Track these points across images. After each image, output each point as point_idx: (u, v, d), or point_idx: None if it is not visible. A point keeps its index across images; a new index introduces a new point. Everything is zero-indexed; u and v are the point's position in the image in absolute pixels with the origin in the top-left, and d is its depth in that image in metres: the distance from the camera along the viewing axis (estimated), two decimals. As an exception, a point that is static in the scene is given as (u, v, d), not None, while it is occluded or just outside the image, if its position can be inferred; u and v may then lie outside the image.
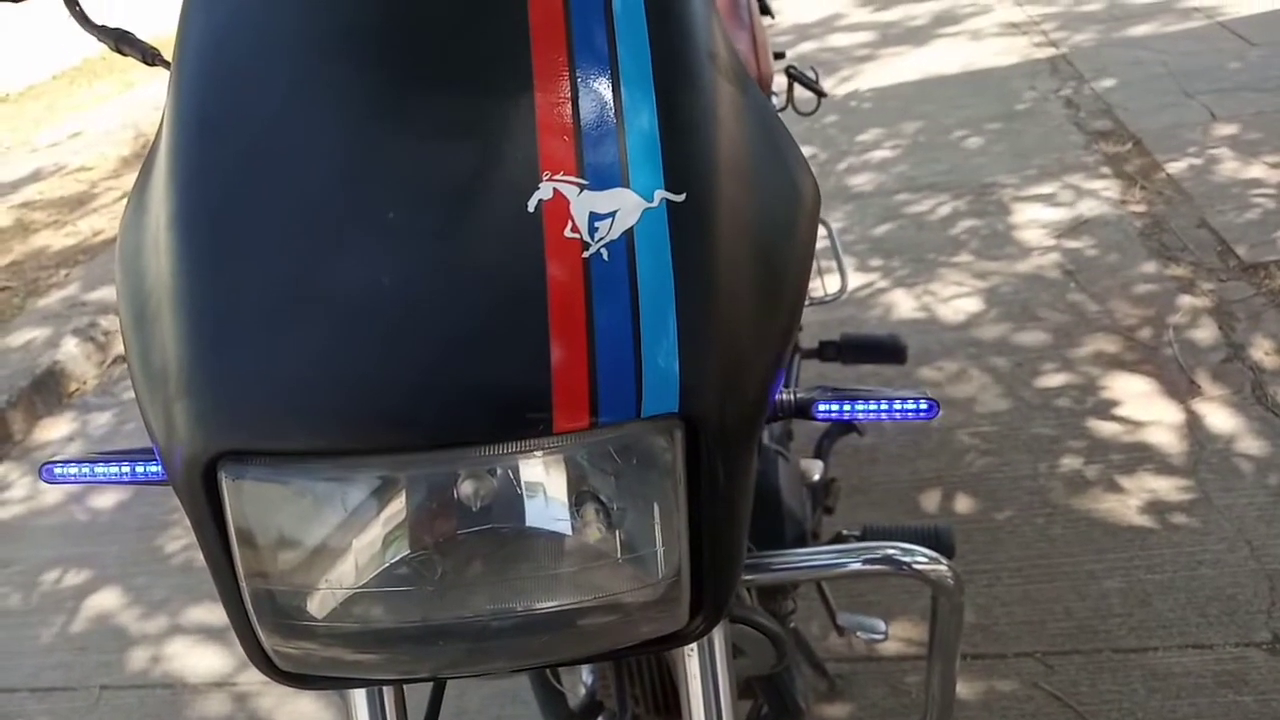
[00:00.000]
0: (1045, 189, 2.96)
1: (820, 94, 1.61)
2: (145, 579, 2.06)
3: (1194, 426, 1.93)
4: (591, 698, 1.04)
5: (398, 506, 0.48)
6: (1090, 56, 3.96)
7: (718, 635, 0.65)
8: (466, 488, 0.48)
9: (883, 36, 4.82)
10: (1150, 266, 2.47)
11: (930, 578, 0.73)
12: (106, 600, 2.03)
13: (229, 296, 0.48)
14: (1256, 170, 2.80)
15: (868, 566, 0.74)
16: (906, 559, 0.73)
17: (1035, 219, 2.81)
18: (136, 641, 1.90)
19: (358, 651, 0.52)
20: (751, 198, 0.53)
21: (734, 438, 0.50)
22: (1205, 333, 2.19)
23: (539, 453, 0.47)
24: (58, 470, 0.61)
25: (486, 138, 0.50)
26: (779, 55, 1.66)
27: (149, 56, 0.84)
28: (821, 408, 0.62)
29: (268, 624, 0.51)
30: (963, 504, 1.84)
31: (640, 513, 0.50)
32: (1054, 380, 2.13)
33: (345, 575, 0.49)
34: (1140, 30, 4.15)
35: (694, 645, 0.65)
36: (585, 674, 1.08)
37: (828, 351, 1.76)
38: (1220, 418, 1.94)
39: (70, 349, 2.97)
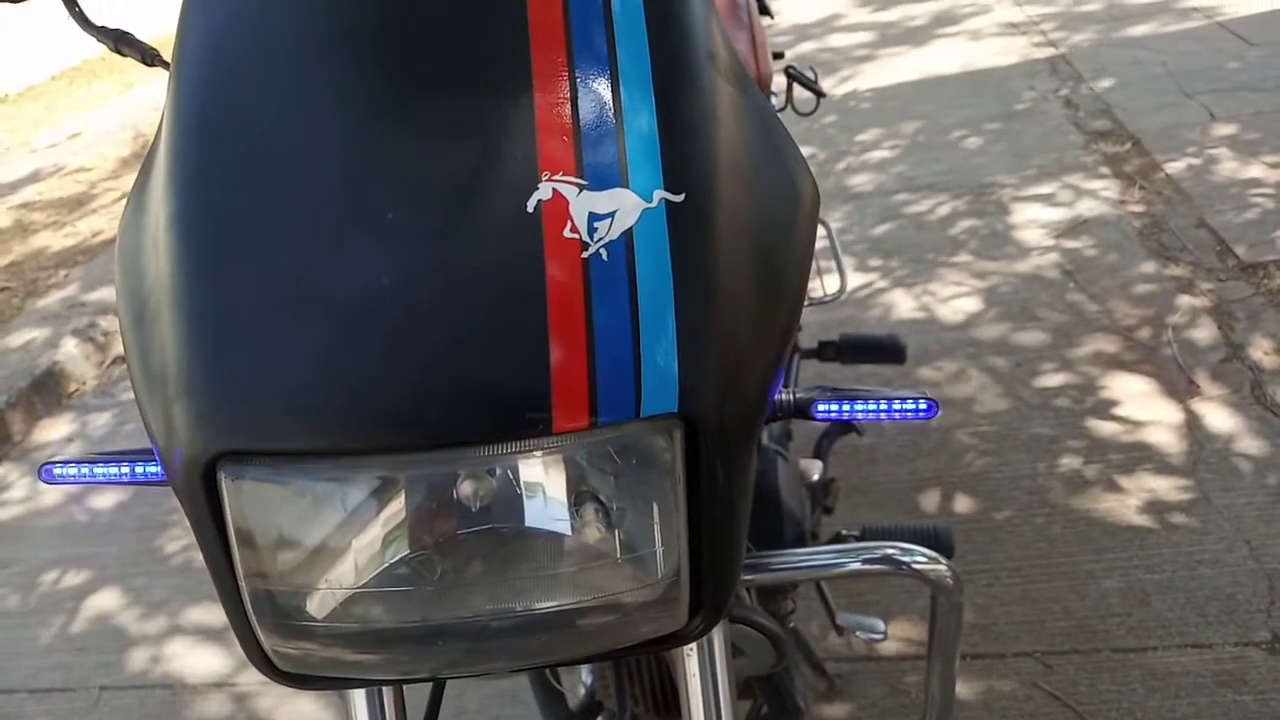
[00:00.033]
0: (1044, 189, 2.97)
1: (819, 94, 1.61)
2: (144, 579, 2.06)
3: (1193, 426, 1.93)
4: (591, 698, 1.04)
5: (397, 507, 0.48)
6: (1089, 56, 3.96)
7: (717, 635, 0.65)
8: (466, 488, 0.48)
9: (882, 37, 4.82)
10: (1149, 266, 2.47)
11: (929, 577, 0.73)
12: (106, 601, 2.03)
13: (228, 297, 0.48)
14: (1255, 170, 2.81)
15: (867, 566, 0.74)
16: (905, 559, 0.73)
17: (1034, 219, 2.81)
18: (136, 642, 1.90)
19: (357, 652, 0.52)
20: (751, 198, 0.53)
21: (733, 438, 0.50)
22: (1204, 332, 2.19)
23: (538, 453, 0.47)
24: (57, 471, 0.61)
25: (486, 138, 0.50)
26: (778, 55, 1.66)
27: (148, 57, 0.84)
28: (821, 408, 0.62)
29: (267, 624, 0.51)
30: (962, 504, 1.84)
31: (639, 513, 0.50)
32: (1053, 380, 2.13)
33: (345, 575, 0.49)
34: (1139, 30, 4.15)
35: (693, 645, 0.65)
36: (585, 674, 1.08)
37: (827, 351, 1.76)
38: (1219, 417, 1.94)
39: (69, 350, 2.97)
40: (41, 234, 4.06)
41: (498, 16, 0.52)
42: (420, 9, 0.53)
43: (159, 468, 0.51)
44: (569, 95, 0.51)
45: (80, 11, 0.86)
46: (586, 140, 0.50)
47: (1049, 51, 4.13)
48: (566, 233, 0.48)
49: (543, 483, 0.49)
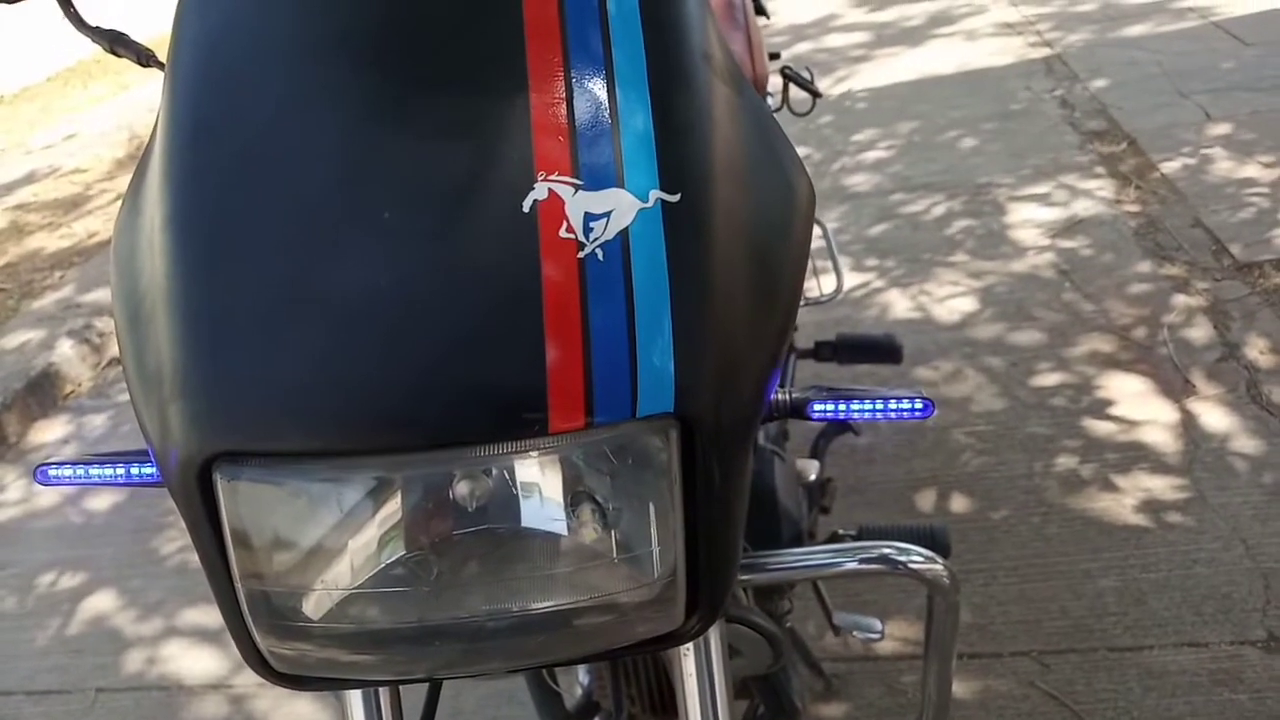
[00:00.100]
0: (1040, 189, 2.97)
1: (815, 94, 1.61)
2: (141, 581, 2.06)
3: (1189, 425, 1.93)
4: (588, 698, 1.04)
5: (393, 507, 0.48)
6: (1085, 57, 3.96)
7: (714, 635, 0.65)
8: (462, 488, 0.48)
9: (878, 37, 4.82)
10: (1145, 266, 2.48)
11: (926, 577, 0.74)
12: (102, 603, 2.02)
13: (223, 298, 0.47)
14: (1251, 170, 2.81)
15: (864, 566, 0.74)
16: (902, 558, 0.73)
17: (1030, 219, 2.81)
18: (132, 644, 1.90)
19: (353, 652, 0.52)
20: (746, 198, 0.53)
21: (729, 437, 0.50)
22: (1200, 332, 2.20)
23: (534, 453, 0.47)
24: (52, 472, 0.61)
25: (481, 138, 0.50)
26: (774, 56, 1.66)
27: (143, 58, 0.84)
28: (817, 407, 0.62)
29: (263, 625, 0.51)
30: (958, 503, 1.85)
31: (636, 513, 0.50)
32: (1049, 380, 2.13)
33: (341, 576, 0.49)
34: (1135, 30, 4.16)
35: (690, 645, 0.65)
36: (582, 674, 1.08)
37: (823, 351, 1.76)
38: (1215, 417, 1.94)
39: (65, 351, 2.96)
40: (37, 235, 4.06)
41: (493, 17, 0.52)
42: (416, 10, 0.53)
43: (154, 469, 0.51)
44: (564, 95, 0.51)
45: (75, 12, 0.85)
46: (582, 140, 0.50)
47: (1045, 51, 4.14)
48: (562, 233, 0.48)
49: (539, 483, 0.49)
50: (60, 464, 0.61)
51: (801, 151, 2.23)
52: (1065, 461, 1.90)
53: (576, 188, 0.49)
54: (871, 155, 3.44)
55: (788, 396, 0.62)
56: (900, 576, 0.74)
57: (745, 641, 0.80)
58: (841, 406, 0.62)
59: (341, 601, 0.50)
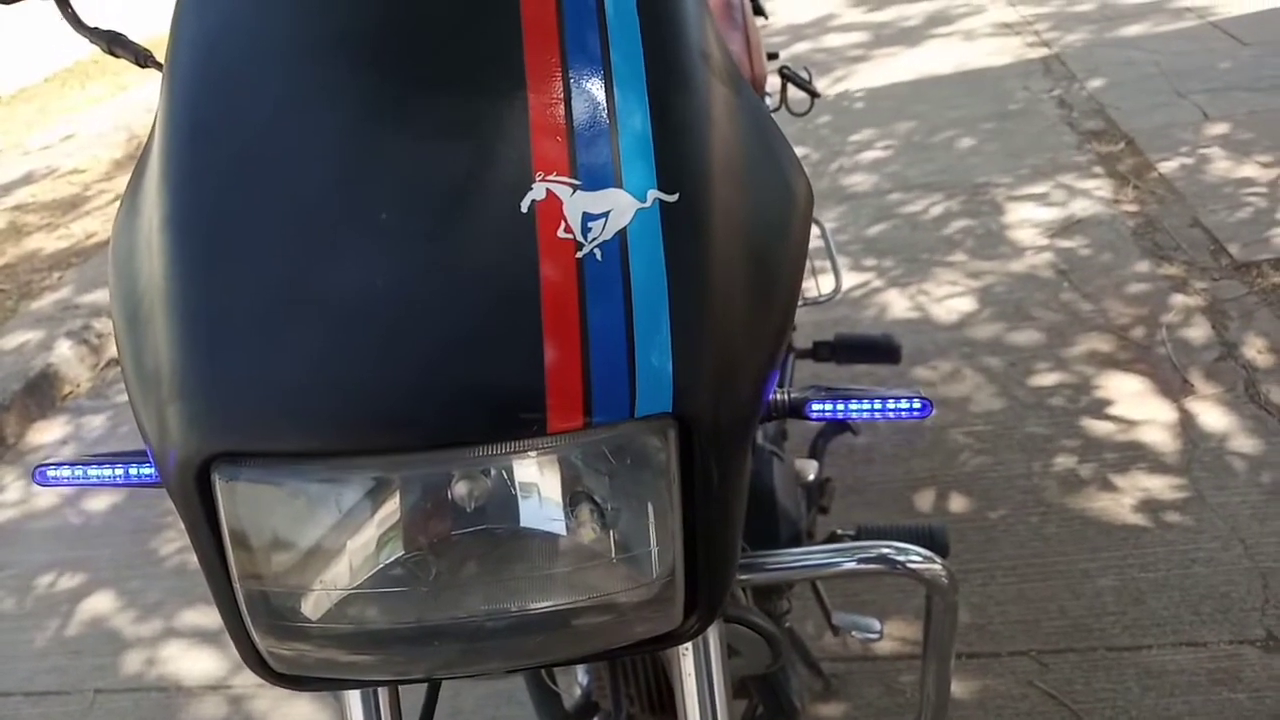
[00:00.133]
0: (1038, 189, 2.97)
1: (814, 94, 1.61)
2: (139, 582, 2.06)
3: (1187, 425, 1.94)
4: (587, 698, 1.04)
5: (392, 507, 0.48)
6: (1082, 56, 3.97)
7: (712, 635, 0.65)
8: (461, 488, 0.48)
9: (876, 37, 4.82)
10: (1143, 266, 2.48)
11: (925, 577, 0.74)
12: (100, 604, 2.02)
13: (222, 298, 0.47)
14: (1249, 169, 2.81)
15: (862, 566, 0.74)
16: (901, 558, 0.73)
17: (1028, 219, 2.81)
18: (131, 645, 1.90)
19: (352, 652, 0.52)
20: (745, 198, 0.53)
21: (728, 438, 0.50)
22: (1198, 331, 2.20)
23: (533, 453, 0.47)
24: (51, 473, 0.61)
25: (479, 139, 0.50)
26: (772, 56, 1.66)
27: (141, 58, 0.84)
28: (815, 407, 0.62)
29: (262, 626, 0.51)
30: (957, 503, 1.85)
31: (634, 513, 0.50)
32: (1048, 379, 2.14)
33: (340, 576, 0.49)
34: (1132, 30, 4.16)
35: (689, 645, 0.65)
36: (580, 674, 1.08)
37: (822, 351, 1.76)
38: (1213, 416, 1.94)
39: (63, 352, 2.96)
40: (35, 236, 4.06)
41: (491, 17, 0.52)
42: (414, 10, 0.53)
43: (153, 469, 0.51)
44: (563, 96, 0.51)
45: (73, 13, 0.85)
46: (580, 140, 0.50)
47: (1042, 52, 4.14)
48: (560, 233, 0.48)
49: (537, 483, 0.49)
50: (59, 465, 0.61)
51: (799, 151, 2.23)
52: (1064, 461, 1.90)
53: (575, 188, 0.49)
54: (869, 155, 3.44)
55: (786, 396, 0.62)
56: (899, 576, 0.74)
57: (744, 641, 0.80)
58: (840, 406, 0.62)
59: (340, 602, 0.50)
